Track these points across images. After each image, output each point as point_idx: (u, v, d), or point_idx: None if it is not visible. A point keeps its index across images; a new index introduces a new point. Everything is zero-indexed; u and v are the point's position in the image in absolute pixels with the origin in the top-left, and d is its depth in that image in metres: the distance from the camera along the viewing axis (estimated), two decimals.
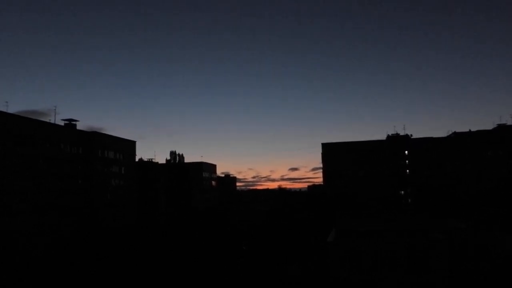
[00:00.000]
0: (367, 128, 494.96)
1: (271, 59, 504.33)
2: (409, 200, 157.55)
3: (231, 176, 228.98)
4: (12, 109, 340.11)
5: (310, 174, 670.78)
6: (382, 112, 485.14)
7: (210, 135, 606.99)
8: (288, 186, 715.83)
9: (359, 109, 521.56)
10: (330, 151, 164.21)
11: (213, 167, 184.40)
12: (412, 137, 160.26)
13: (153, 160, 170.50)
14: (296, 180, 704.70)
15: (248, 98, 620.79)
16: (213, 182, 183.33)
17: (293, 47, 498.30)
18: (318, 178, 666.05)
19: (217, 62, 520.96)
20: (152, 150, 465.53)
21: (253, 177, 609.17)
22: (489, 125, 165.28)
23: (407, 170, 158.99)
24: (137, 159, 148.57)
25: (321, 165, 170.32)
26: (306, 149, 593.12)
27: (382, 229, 51.64)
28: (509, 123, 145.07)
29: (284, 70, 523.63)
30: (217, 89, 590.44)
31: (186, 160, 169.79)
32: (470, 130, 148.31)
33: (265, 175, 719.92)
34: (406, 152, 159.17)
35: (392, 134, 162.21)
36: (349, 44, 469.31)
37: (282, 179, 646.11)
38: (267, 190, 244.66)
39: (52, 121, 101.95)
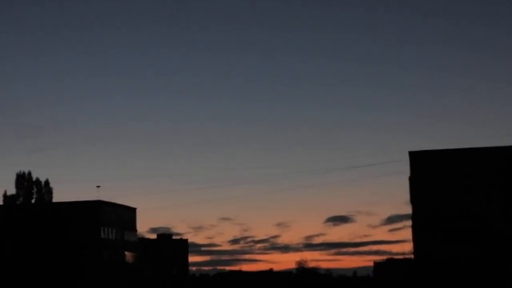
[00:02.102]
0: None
1: None
2: None
3: (175, 237, 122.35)
4: None
5: (381, 233, 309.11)
6: None
7: (128, 141, 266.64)
8: (322, 264, 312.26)
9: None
10: (431, 170, 66.26)
11: (129, 214, 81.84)
12: None
13: None
14: (343, 249, 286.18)
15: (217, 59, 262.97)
16: (128, 253, 79.73)
17: None
18: (400, 243, 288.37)
19: None
20: None
21: (233, 241, 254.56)
22: None
23: None
24: None
25: (405, 209, 75.73)
26: (367, 172, 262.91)
27: None
28: None
29: None
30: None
31: (63, 195, 79.69)
32: None
33: (264, 236, 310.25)
34: None
35: None
36: None
37: (308, 246, 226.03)
38: (270, 272, 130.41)
39: None
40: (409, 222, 71.13)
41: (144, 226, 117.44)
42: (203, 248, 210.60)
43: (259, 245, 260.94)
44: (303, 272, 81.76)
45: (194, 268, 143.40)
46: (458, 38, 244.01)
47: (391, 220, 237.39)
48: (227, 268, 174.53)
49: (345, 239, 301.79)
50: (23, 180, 69.79)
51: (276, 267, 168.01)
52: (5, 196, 69.89)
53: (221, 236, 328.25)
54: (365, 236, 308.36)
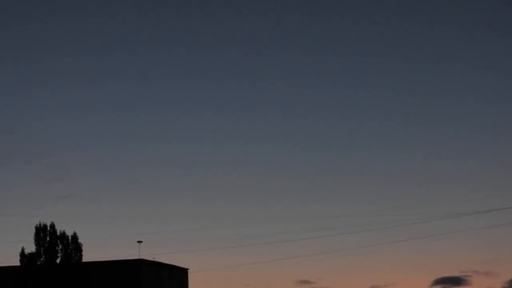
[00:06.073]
0: None
1: None
2: None
3: None
4: None
5: None
6: None
7: (176, 183, 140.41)
8: None
9: None
10: None
11: (179, 276, 65.88)
12: None
13: None
14: None
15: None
16: None
17: None
18: None
19: None
20: None
21: None
22: None
23: None
24: None
25: None
26: (486, 220, 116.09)
27: None
28: None
29: None
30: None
31: (94, 253, 57.91)
32: None
33: None
34: None
35: None
36: None
37: None
38: None
39: None
40: None
41: None
42: None
43: None
44: None
45: None
46: None
47: None
48: None
49: None
50: (44, 234, 55.64)
51: None
52: (22, 254, 55.27)
53: None
54: None
